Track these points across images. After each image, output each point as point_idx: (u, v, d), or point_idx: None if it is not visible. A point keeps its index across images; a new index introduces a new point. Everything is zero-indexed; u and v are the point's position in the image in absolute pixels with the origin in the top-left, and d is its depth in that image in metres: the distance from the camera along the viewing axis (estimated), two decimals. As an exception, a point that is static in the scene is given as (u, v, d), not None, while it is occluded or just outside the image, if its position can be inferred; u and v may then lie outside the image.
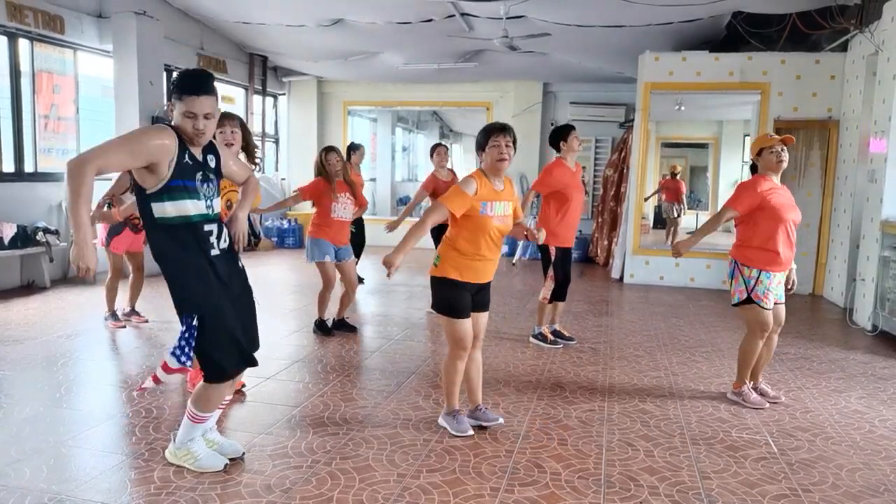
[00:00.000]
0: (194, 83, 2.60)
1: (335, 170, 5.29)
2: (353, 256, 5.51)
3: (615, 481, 2.98)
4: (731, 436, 3.56)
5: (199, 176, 2.70)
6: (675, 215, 11.96)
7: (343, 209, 5.31)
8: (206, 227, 2.74)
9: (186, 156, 2.66)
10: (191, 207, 2.68)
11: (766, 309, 3.91)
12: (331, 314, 5.61)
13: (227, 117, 3.91)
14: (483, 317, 3.49)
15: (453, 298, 3.30)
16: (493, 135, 3.30)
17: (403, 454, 3.18)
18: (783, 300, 4.02)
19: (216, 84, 2.68)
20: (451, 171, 6.60)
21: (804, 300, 7.86)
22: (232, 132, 3.95)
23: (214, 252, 2.77)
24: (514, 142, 3.36)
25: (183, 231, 2.68)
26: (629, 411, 3.88)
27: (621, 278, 8.81)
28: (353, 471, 2.98)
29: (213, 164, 2.78)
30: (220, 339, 2.75)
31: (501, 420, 3.55)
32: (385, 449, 3.23)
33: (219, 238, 2.79)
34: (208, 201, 2.73)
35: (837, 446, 3.46)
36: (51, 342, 4.98)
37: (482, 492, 2.83)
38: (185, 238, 2.69)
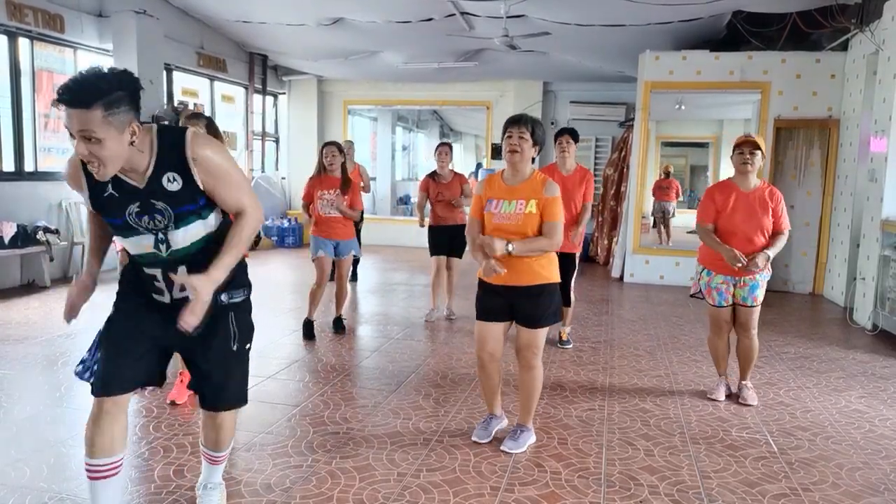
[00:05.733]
0: (62, 89, 1.84)
1: (327, 164, 5.25)
2: (350, 253, 5.41)
3: (615, 480, 2.98)
4: (731, 435, 3.56)
5: (133, 208, 2.06)
6: (671, 214, 11.95)
7: (328, 206, 5.23)
8: (149, 271, 2.17)
9: (109, 185, 2.04)
10: (131, 246, 2.16)
11: (711, 305, 4.03)
12: (321, 313, 5.62)
13: (192, 118, 3.70)
14: (524, 331, 3.21)
15: (478, 298, 3.31)
16: (506, 127, 3.16)
17: (403, 453, 3.18)
18: (748, 303, 3.93)
19: (116, 88, 1.86)
20: (454, 171, 6.21)
21: (804, 299, 7.86)
22: None
23: (162, 299, 2.22)
24: (535, 132, 3.12)
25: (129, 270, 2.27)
26: (629, 410, 3.88)
27: (621, 277, 8.81)
28: (353, 470, 2.98)
29: (174, 188, 2.04)
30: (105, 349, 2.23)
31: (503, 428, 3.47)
32: (385, 448, 3.23)
33: (169, 286, 2.19)
34: (160, 234, 2.10)
35: (837, 445, 3.46)
36: (51, 342, 4.98)
37: (482, 491, 2.83)
38: (130, 277, 2.28)
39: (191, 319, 2.02)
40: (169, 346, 2.30)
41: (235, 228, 2.15)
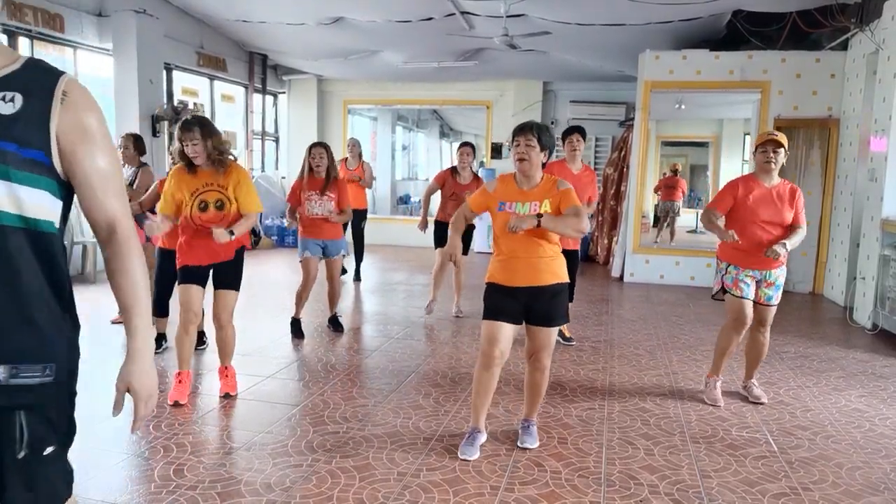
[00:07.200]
0: None
1: (314, 166, 5.20)
2: (340, 254, 5.35)
3: (615, 480, 2.98)
4: (731, 434, 3.56)
5: None
6: (677, 213, 11.93)
7: (316, 206, 5.18)
8: None
9: None
10: None
11: (737, 297, 3.92)
12: (311, 312, 5.62)
13: (184, 128, 3.57)
14: (541, 331, 3.21)
15: (487, 297, 3.27)
16: (514, 136, 3.20)
17: (403, 453, 3.18)
18: (772, 302, 3.96)
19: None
20: (475, 174, 6.16)
21: (804, 299, 7.86)
22: (192, 145, 3.55)
23: None
24: (542, 138, 3.13)
25: None
26: (629, 410, 3.88)
27: (621, 277, 8.81)
28: (353, 469, 2.99)
29: (4, 110, 1.26)
30: None
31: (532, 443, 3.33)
32: (385, 447, 3.23)
33: None
34: None
35: (837, 445, 3.46)
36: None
37: (482, 490, 2.83)
38: None
39: (136, 424, 1.51)
40: None
41: (122, 263, 1.44)
